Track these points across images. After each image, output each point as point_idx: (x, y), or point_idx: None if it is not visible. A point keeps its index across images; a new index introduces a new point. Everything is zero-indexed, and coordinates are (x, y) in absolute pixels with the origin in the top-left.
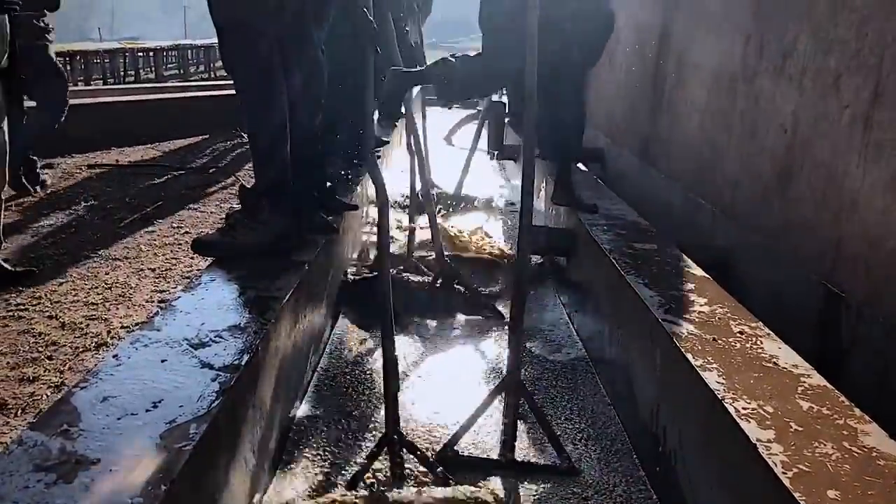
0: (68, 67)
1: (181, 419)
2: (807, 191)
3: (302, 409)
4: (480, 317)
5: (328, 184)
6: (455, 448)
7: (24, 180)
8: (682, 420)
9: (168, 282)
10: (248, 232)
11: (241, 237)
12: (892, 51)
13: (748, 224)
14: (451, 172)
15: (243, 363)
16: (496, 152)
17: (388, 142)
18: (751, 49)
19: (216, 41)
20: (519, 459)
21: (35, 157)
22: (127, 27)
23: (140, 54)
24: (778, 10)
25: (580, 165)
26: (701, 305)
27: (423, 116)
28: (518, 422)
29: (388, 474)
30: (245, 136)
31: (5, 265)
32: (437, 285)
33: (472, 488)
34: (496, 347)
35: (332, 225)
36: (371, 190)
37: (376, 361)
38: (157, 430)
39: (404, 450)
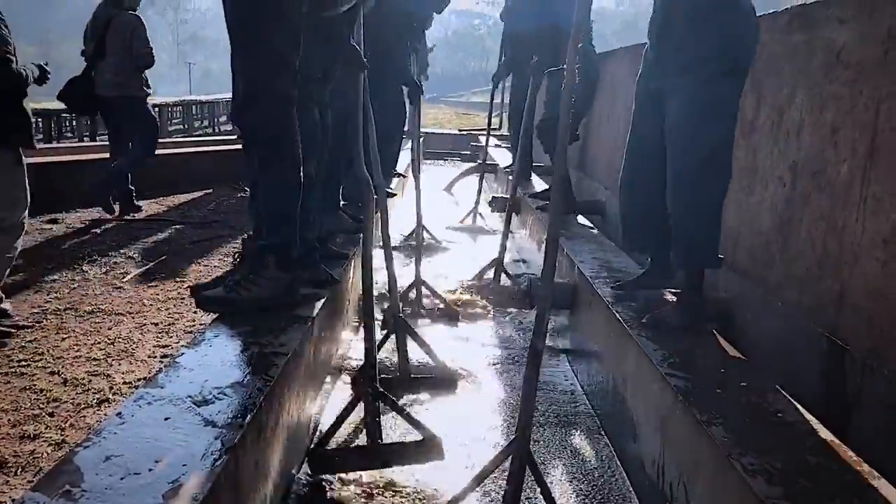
0: (74, 123)
1: (184, 479)
2: (807, 243)
3: (305, 468)
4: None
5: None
6: None
7: (115, 204)
8: (689, 476)
9: (171, 337)
10: (253, 287)
11: (247, 293)
12: (887, 106)
13: (750, 276)
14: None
15: (246, 421)
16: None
17: (394, 194)
18: (748, 103)
19: (220, 97)
20: None
21: (132, 188)
22: None
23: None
24: (774, 65)
25: (580, 218)
26: (705, 359)
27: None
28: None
29: None
30: (248, 190)
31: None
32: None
33: None
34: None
35: (334, 277)
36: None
37: None
38: (160, 489)
39: None
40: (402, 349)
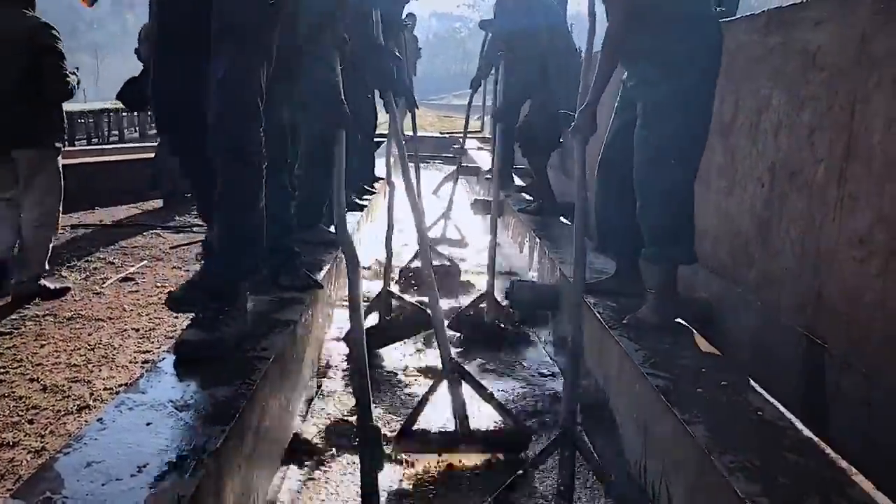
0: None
1: (166, 484)
2: (786, 243)
3: (289, 472)
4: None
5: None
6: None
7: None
8: (670, 475)
9: (152, 342)
10: (232, 322)
11: (228, 329)
12: (862, 107)
13: (729, 276)
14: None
15: (229, 426)
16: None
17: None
18: (727, 105)
19: None
20: None
21: None
22: (115, 88)
23: (124, 114)
24: (752, 67)
25: (563, 219)
26: (686, 359)
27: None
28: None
29: None
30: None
31: (47, 284)
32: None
33: None
34: None
35: (317, 281)
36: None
37: None
38: (142, 495)
39: None
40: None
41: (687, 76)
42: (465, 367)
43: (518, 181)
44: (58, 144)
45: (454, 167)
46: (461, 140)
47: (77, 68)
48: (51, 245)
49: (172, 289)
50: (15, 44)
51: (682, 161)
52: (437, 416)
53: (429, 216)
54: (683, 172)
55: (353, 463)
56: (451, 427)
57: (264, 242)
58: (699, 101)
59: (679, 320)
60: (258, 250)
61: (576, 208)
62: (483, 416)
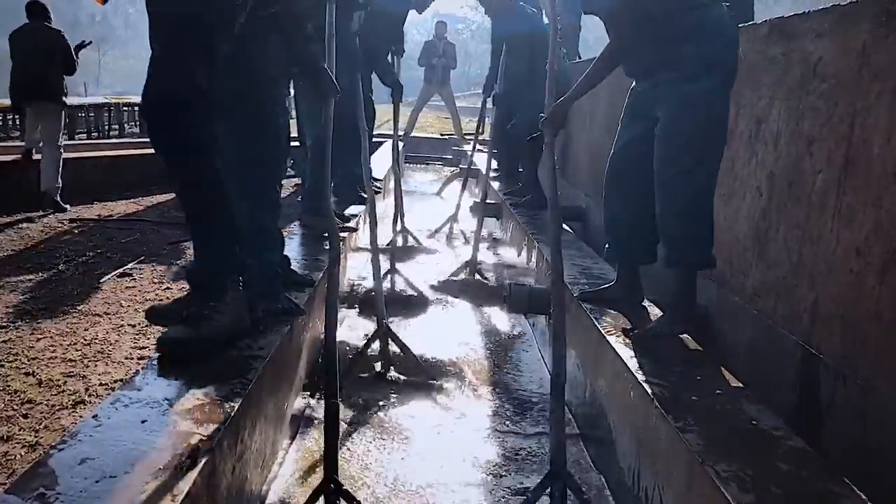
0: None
1: (160, 482)
2: (783, 252)
3: (283, 470)
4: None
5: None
6: None
7: None
8: (664, 482)
9: (149, 338)
10: (218, 318)
11: (215, 325)
12: (861, 118)
13: (726, 284)
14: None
15: (225, 424)
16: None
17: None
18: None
19: None
20: None
21: None
22: (120, 82)
23: (125, 109)
24: (753, 76)
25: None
26: (681, 366)
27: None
28: None
29: None
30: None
31: (59, 200)
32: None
33: None
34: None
35: (297, 306)
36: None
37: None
38: (136, 493)
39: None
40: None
41: (709, 78)
42: None
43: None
44: (64, 100)
45: (454, 168)
46: (467, 141)
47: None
48: (60, 164)
49: (169, 286)
50: (48, 43)
51: (705, 163)
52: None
53: (434, 218)
54: (707, 175)
55: None
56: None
57: (235, 233)
58: (722, 102)
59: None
60: (230, 240)
61: (548, 200)
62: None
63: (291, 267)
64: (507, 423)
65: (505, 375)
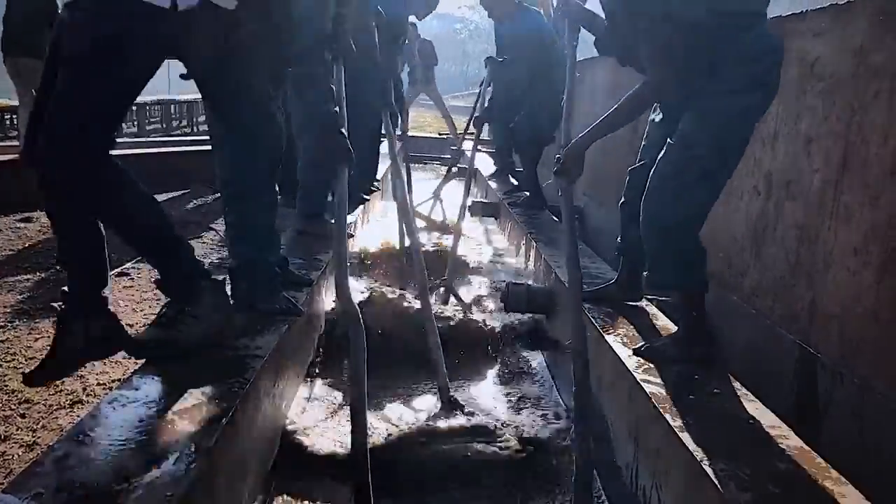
0: None
1: (158, 481)
2: (781, 252)
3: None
4: None
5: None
6: None
7: None
8: (661, 481)
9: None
10: (192, 322)
11: (187, 330)
12: (859, 118)
13: (724, 284)
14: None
15: (222, 424)
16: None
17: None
18: None
19: (199, 97)
20: None
21: None
22: None
23: None
24: None
25: (554, 217)
26: (679, 365)
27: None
28: None
29: None
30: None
31: None
32: None
33: None
34: None
35: (296, 307)
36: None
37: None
38: (134, 493)
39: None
40: None
41: (752, 95)
42: None
43: (514, 181)
44: None
45: (454, 168)
46: (468, 141)
47: None
48: None
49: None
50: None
51: (709, 178)
52: None
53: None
54: (708, 191)
55: None
56: None
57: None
58: (753, 122)
59: (673, 326)
60: (182, 247)
61: (567, 269)
62: None
63: (290, 267)
64: None
65: None
